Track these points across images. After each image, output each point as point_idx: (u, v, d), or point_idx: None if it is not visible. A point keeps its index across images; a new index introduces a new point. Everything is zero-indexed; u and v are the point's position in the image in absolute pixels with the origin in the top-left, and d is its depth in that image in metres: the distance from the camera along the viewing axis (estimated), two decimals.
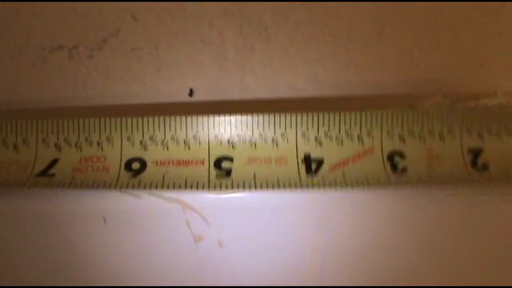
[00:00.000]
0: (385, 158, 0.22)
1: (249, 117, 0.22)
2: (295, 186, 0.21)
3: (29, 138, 0.22)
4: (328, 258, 0.22)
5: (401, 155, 0.22)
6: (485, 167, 0.22)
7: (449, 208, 0.22)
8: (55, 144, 0.22)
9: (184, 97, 0.24)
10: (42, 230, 0.22)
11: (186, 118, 0.22)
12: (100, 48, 0.24)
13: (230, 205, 0.22)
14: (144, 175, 0.22)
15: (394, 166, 0.22)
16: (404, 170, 0.21)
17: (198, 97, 0.25)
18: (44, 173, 0.22)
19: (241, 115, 0.22)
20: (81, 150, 0.22)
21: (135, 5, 0.23)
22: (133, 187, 0.21)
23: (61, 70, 0.24)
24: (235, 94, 0.25)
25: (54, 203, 0.22)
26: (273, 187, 0.21)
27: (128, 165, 0.22)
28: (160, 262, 0.22)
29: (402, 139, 0.22)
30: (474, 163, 0.22)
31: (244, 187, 0.22)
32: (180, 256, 0.22)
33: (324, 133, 0.22)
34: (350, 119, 0.22)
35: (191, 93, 0.24)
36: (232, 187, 0.22)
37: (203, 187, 0.22)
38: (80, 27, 0.23)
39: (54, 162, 0.22)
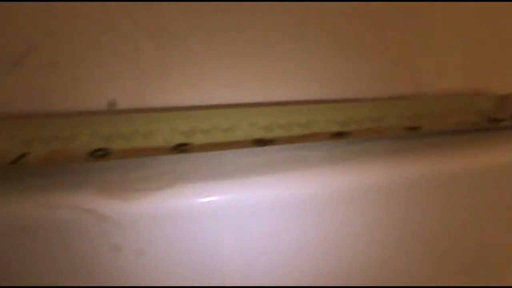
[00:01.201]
0: None
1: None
2: None
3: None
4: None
5: None
6: None
7: None
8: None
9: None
10: None
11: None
12: (17, 63, 0.24)
13: (148, 212, 0.23)
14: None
15: None
16: None
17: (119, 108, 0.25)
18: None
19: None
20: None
21: (52, 19, 0.23)
22: None
23: None
24: (156, 104, 0.25)
25: None
26: None
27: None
28: (76, 274, 0.22)
29: None
30: None
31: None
32: (97, 267, 0.23)
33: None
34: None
35: (111, 105, 0.25)
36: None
37: None
38: None
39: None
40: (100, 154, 0.23)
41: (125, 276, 0.23)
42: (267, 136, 0.25)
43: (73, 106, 0.25)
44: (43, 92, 0.24)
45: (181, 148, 0.24)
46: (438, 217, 0.25)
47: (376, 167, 0.24)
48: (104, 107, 0.25)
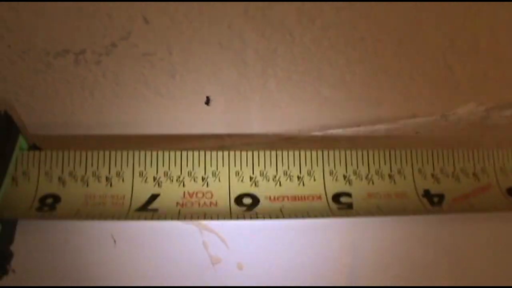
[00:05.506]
0: (505, 192, 0.22)
1: (364, 152, 0.22)
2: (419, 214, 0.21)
3: (125, 171, 0.21)
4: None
5: None
6: None
7: None
8: (154, 179, 0.21)
9: (201, 105, 0.23)
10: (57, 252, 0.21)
11: (299, 153, 0.21)
12: (109, 53, 0.22)
13: (251, 227, 0.21)
14: (258, 209, 0.20)
15: None
16: None
17: (216, 105, 0.23)
18: (144, 208, 0.20)
19: (357, 150, 0.22)
20: (183, 185, 0.21)
21: (147, 6, 0.21)
22: (250, 218, 0.20)
23: (66, 77, 0.22)
24: (255, 101, 0.23)
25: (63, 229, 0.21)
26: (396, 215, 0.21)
27: (238, 200, 0.20)
28: (174, 283, 0.21)
29: None
30: None
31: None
32: (196, 278, 0.21)
33: (440, 170, 0.22)
34: (464, 156, 0.22)
35: (207, 101, 0.23)
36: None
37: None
38: (87, 30, 0.21)
39: (154, 197, 0.20)
40: None
41: None
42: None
43: (170, 101, 0.22)
44: (134, 85, 0.22)
45: None
46: None
47: None
48: (202, 102, 0.22)
